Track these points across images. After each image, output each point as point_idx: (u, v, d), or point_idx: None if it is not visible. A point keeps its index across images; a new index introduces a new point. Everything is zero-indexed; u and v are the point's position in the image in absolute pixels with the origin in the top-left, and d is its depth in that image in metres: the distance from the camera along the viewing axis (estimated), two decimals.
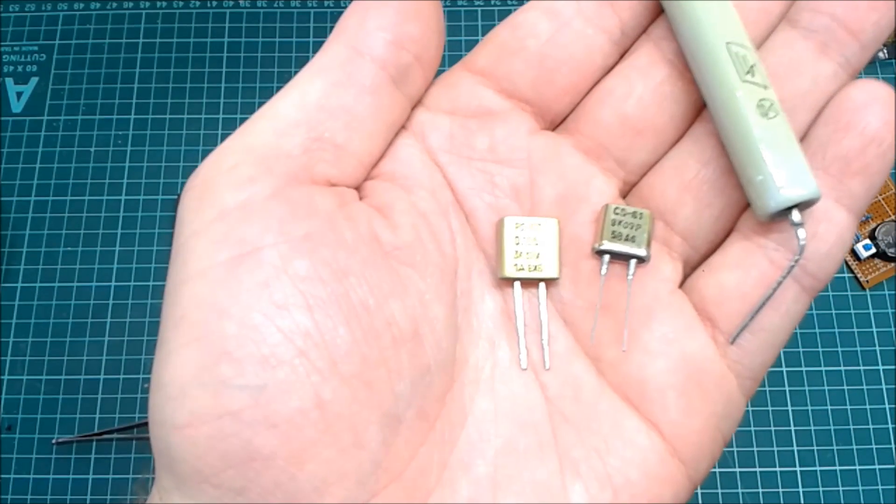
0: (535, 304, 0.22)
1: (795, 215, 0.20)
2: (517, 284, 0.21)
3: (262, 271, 0.18)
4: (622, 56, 0.23)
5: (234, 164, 0.19)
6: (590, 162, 0.22)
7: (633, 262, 0.21)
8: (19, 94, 0.46)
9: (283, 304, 0.18)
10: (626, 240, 0.21)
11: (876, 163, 0.21)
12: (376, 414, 0.18)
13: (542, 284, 0.22)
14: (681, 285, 0.22)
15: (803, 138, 0.22)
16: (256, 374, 0.17)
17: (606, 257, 0.21)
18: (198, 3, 0.48)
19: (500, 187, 0.22)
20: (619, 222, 0.21)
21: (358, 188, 0.21)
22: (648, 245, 0.21)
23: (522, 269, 0.21)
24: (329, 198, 0.20)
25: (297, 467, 0.18)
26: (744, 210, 0.22)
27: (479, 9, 0.47)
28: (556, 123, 0.23)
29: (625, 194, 0.23)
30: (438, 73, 0.22)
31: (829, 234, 0.21)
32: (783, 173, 0.20)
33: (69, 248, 0.43)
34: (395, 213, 0.21)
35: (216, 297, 0.18)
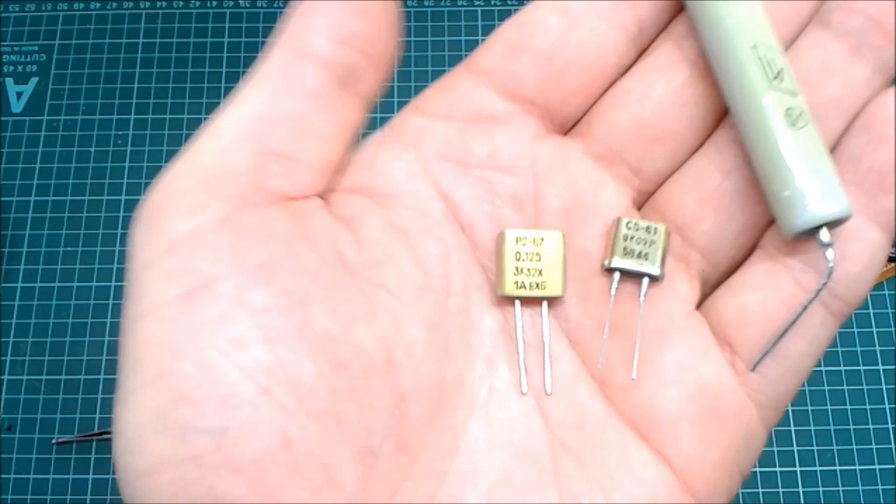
0: (539, 322, 0.20)
1: (824, 234, 0.18)
2: (517, 303, 0.19)
3: (217, 305, 0.16)
4: (640, 55, 0.21)
5: (183, 188, 0.17)
6: (601, 169, 0.20)
7: (646, 280, 0.19)
8: (19, 94, 0.45)
9: (241, 340, 0.16)
10: (639, 257, 0.19)
11: None
12: (350, 450, 0.17)
13: (544, 303, 0.19)
14: (698, 306, 0.20)
15: (834, 149, 0.19)
16: (217, 416, 0.16)
17: (617, 275, 0.19)
18: (198, 3, 0.47)
19: (500, 197, 0.20)
20: (632, 237, 0.19)
21: (323, 197, 0.19)
22: (663, 263, 0.19)
23: (524, 286, 0.19)
24: (285, 219, 0.18)
25: None
26: (769, 226, 0.20)
27: (479, 9, 0.46)
28: (566, 128, 0.21)
29: (640, 205, 0.21)
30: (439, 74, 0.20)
31: (861, 254, 0.19)
32: (812, 189, 0.18)
33: (69, 248, 0.42)
34: (364, 228, 0.19)
35: (171, 336, 0.16)
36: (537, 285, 0.19)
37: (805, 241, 0.19)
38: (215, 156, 0.18)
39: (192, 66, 0.46)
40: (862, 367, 0.40)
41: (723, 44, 0.19)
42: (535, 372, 0.19)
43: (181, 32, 0.46)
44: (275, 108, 0.18)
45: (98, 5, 0.47)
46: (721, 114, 0.20)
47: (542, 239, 0.20)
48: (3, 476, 0.39)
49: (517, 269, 0.19)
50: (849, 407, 0.40)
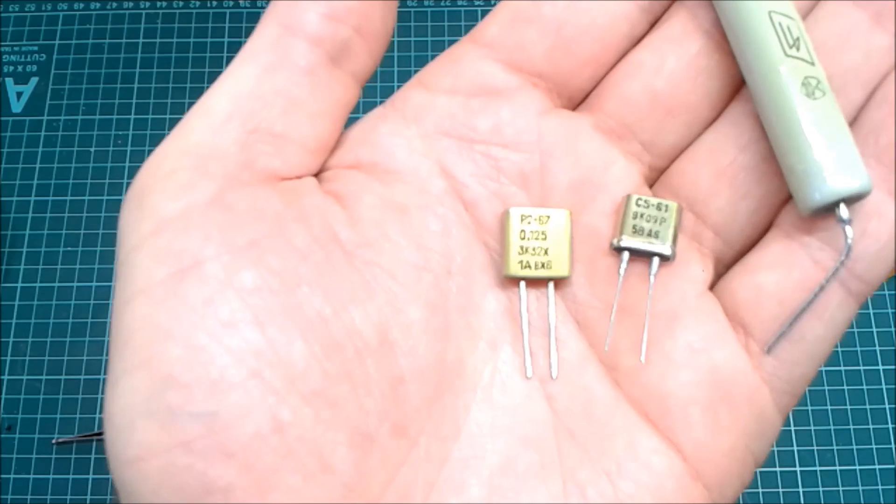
0: (545, 304, 0.19)
1: (843, 211, 0.17)
2: (522, 284, 0.19)
3: (206, 286, 0.16)
4: (653, 25, 0.20)
5: (171, 169, 0.17)
6: (611, 144, 0.19)
7: (657, 260, 0.19)
8: (19, 94, 0.45)
9: (230, 322, 0.16)
10: (649, 235, 0.18)
11: None
12: (344, 434, 0.16)
13: (550, 284, 0.19)
14: (712, 286, 0.19)
15: (853, 121, 0.18)
16: (206, 400, 0.15)
17: (626, 255, 0.19)
18: (198, 3, 0.47)
19: (505, 173, 0.19)
20: (642, 215, 0.19)
21: (318, 174, 0.19)
22: (674, 242, 0.19)
23: (529, 266, 0.18)
24: (274, 198, 0.17)
25: (259, 498, 0.16)
26: (786, 202, 0.19)
27: (479, 9, 0.46)
28: (575, 101, 0.20)
29: (651, 181, 0.20)
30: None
31: (881, 231, 0.18)
32: (830, 162, 0.17)
33: (69, 248, 0.42)
34: (360, 206, 0.18)
35: (159, 318, 0.16)
36: (543, 265, 0.19)
37: (823, 218, 0.18)
38: (204, 134, 0.17)
39: (192, 66, 0.45)
40: (862, 367, 0.40)
41: (738, 10, 0.18)
42: (541, 355, 0.19)
43: (181, 32, 0.46)
44: (264, 85, 0.17)
45: (98, 5, 0.47)
46: (737, 86, 0.20)
47: (549, 217, 0.19)
48: (3, 476, 0.39)
49: (522, 248, 0.19)
50: (849, 407, 0.40)
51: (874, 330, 0.41)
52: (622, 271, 0.19)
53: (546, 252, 0.19)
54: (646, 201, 0.19)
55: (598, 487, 0.18)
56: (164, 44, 0.46)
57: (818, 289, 0.18)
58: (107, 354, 0.43)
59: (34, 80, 0.45)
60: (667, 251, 0.19)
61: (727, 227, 0.19)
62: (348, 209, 0.18)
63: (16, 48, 0.46)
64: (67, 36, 0.46)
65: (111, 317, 0.17)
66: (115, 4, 0.46)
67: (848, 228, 0.17)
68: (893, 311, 0.41)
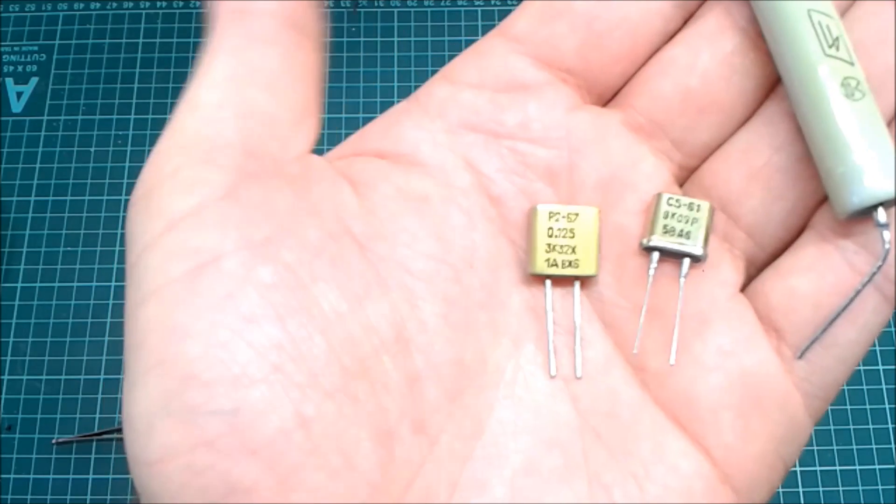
0: (571, 302, 0.18)
1: (881, 214, 0.17)
2: (548, 283, 0.18)
3: (225, 282, 0.16)
4: (687, 21, 0.19)
5: (176, 166, 0.17)
6: (641, 142, 0.19)
7: (687, 261, 0.18)
8: (19, 94, 0.44)
9: (252, 317, 0.16)
10: (680, 235, 0.18)
11: None
12: (366, 431, 0.16)
13: (576, 283, 0.18)
14: (743, 288, 0.19)
15: (892, 123, 0.18)
16: (228, 397, 0.15)
17: (656, 255, 0.18)
18: (198, 4, 0.47)
19: (533, 169, 0.19)
20: (673, 215, 0.18)
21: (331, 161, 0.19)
22: (706, 242, 0.18)
23: (555, 264, 0.18)
24: (286, 190, 0.17)
25: (284, 496, 0.15)
26: (820, 204, 0.18)
27: (479, 9, 0.46)
28: (605, 98, 0.20)
29: (682, 181, 0.19)
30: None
31: None
32: (869, 165, 0.17)
33: (69, 248, 0.41)
34: (376, 196, 0.18)
35: (175, 316, 0.15)
36: (570, 263, 0.18)
37: (859, 221, 0.18)
38: (200, 127, 0.17)
39: (191, 67, 0.45)
40: (862, 367, 0.40)
41: (777, 8, 0.18)
42: (566, 354, 0.18)
43: (181, 32, 0.46)
44: (240, 67, 0.17)
45: (98, 5, 0.46)
46: (772, 84, 0.19)
47: (577, 215, 0.18)
48: (3, 476, 0.38)
49: (549, 245, 0.18)
50: (849, 407, 0.39)
51: (892, 313, 0.41)
52: (652, 271, 0.18)
53: (573, 250, 0.18)
54: (677, 200, 0.18)
55: (625, 490, 0.17)
56: (164, 44, 0.46)
57: (854, 294, 0.17)
58: (107, 354, 0.43)
59: (34, 80, 0.45)
60: (698, 252, 0.18)
61: (760, 228, 0.19)
62: (363, 198, 0.18)
63: (16, 48, 0.45)
64: (67, 36, 0.46)
65: (125, 319, 0.16)
66: (115, 4, 0.46)
67: (886, 233, 0.17)
68: (893, 311, 0.41)
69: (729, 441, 0.18)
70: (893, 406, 0.39)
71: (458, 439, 0.17)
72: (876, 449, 0.39)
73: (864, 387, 0.40)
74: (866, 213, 0.17)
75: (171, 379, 0.15)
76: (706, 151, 0.19)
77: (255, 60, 0.17)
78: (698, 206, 0.18)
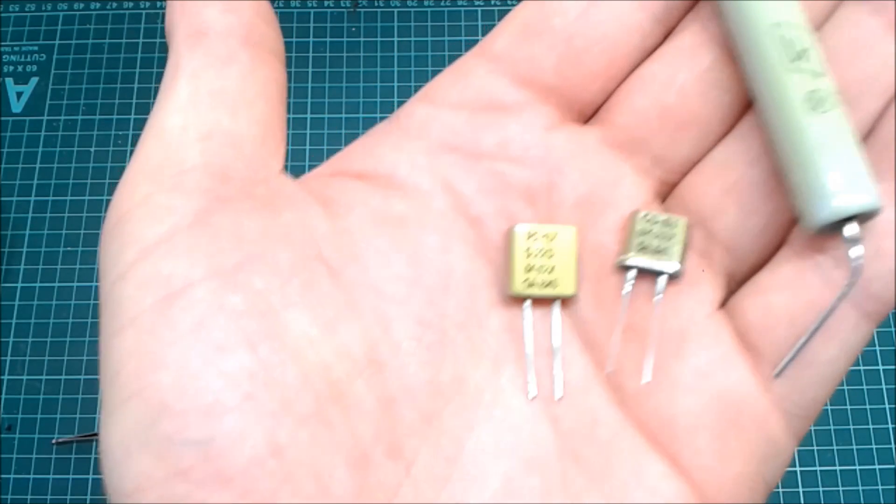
0: (550, 322, 0.18)
1: (850, 229, 0.16)
2: (527, 303, 0.18)
3: (196, 311, 0.16)
4: (666, 36, 0.19)
5: (145, 194, 0.17)
6: (620, 159, 0.19)
7: (663, 278, 0.18)
8: (19, 94, 0.44)
9: (223, 345, 0.16)
10: (656, 252, 0.18)
11: None
12: (341, 456, 0.16)
13: (556, 303, 0.18)
14: (724, 303, 0.18)
15: (869, 133, 0.18)
16: (202, 427, 0.15)
17: (632, 273, 0.18)
18: None
19: (512, 189, 0.19)
20: (649, 232, 0.18)
21: (304, 182, 0.18)
22: (682, 259, 0.18)
23: (534, 285, 0.18)
24: (255, 214, 0.17)
25: None
26: (798, 220, 0.18)
27: (479, 9, 0.46)
28: (586, 115, 0.20)
29: (664, 196, 0.19)
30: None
31: None
32: (835, 178, 0.16)
33: (69, 248, 0.41)
34: (349, 217, 0.18)
35: (149, 346, 0.16)
36: (549, 284, 0.18)
37: (834, 236, 0.17)
38: (166, 153, 0.17)
39: None
40: (862, 367, 0.40)
41: (740, 22, 0.18)
42: (546, 375, 0.18)
43: None
44: (199, 89, 0.17)
45: (98, 5, 0.46)
46: (750, 98, 0.19)
47: (555, 234, 0.18)
48: (3, 476, 0.38)
49: (527, 266, 0.18)
50: (849, 407, 0.39)
51: (874, 330, 0.40)
52: (627, 290, 0.18)
53: (552, 270, 0.18)
54: (653, 217, 0.18)
55: None
56: (164, 44, 0.45)
57: (827, 311, 0.17)
58: None
59: (34, 80, 0.45)
60: (673, 269, 0.18)
61: (737, 244, 0.19)
62: (336, 221, 0.18)
63: (16, 48, 0.45)
64: (67, 36, 0.46)
65: (100, 349, 0.16)
66: (115, 4, 0.46)
67: (855, 248, 0.17)
68: (893, 311, 0.41)
69: (707, 462, 0.17)
70: (893, 406, 0.39)
71: (436, 461, 0.17)
72: (876, 449, 0.39)
73: (864, 387, 0.40)
74: (837, 227, 0.17)
75: (146, 409, 0.15)
76: (687, 167, 0.19)
77: (216, 81, 0.18)
78: (674, 222, 0.18)
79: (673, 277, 0.18)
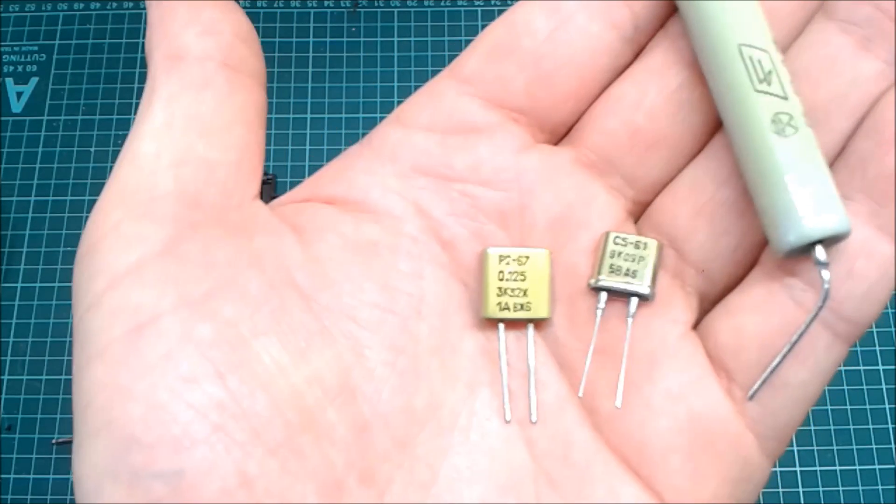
0: (525, 344, 0.18)
1: (819, 252, 0.16)
2: (501, 326, 0.18)
3: (164, 342, 0.16)
4: (636, 57, 0.19)
5: (117, 220, 0.17)
6: (592, 179, 0.19)
7: (634, 300, 0.18)
8: (19, 94, 0.44)
9: (191, 376, 0.16)
10: (627, 274, 0.18)
11: None
12: (312, 485, 0.16)
13: (530, 326, 0.18)
14: (697, 323, 0.18)
15: (840, 153, 0.18)
16: (171, 459, 0.15)
17: (603, 295, 0.18)
18: None
19: (484, 212, 0.19)
20: (619, 254, 0.18)
21: (275, 209, 0.18)
22: (653, 281, 0.18)
23: (507, 308, 0.18)
24: (225, 242, 0.17)
25: None
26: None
27: (479, 9, 0.46)
28: (558, 135, 0.20)
29: (637, 216, 0.19)
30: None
31: (869, 270, 0.17)
32: (803, 202, 0.16)
33: (69, 248, 0.41)
34: (321, 245, 0.18)
35: (118, 378, 0.16)
36: (522, 306, 0.18)
37: (805, 258, 0.17)
38: (139, 179, 0.17)
39: None
40: (862, 368, 0.40)
41: (707, 44, 0.18)
42: (520, 397, 0.18)
43: None
44: (174, 114, 0.17)
45: (98, 5, 0.46)
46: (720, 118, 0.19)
47: (527, 257, 0.18)
48: (3, 476, 0.38)
49: (500, 289, 0.18)
50: (849, 407, 0.39)
51: (874, 330, 0.40)
52: (600, 312, 0.18)
53: (525, 293, 0.18)
54: (624, 239, 0.18)
55: None
56: None
57: (798, 334, 0.17)
58: None
59: (34, 80, 0.45)
60: (644, 290, 0.18)
61: (709, 264, 0.18)
62: (308, 247, 0.18)
63: (16, 48, 0.45)
64: (67, 36, 0.45)
65: (73, 379, 0.16)
66: (115, 4, 0.46)
67: (825, 272, 0.16)
68: (893, 311, 0.41)
69: (679, 484, 0.17)
70: (893, 406, 0.39)
71: (410, 487, 0.17)
72: (876, 449, 0.38)
73: (864, 387, 0.40)
74: (806, 251, 0.17)
75: (116, 441, 0.15)
76: (658, 187, 0.19)
77: (191, 106, 0.17)
78: (645, 244, 0.18)
79: (644, 299, 0.18)
